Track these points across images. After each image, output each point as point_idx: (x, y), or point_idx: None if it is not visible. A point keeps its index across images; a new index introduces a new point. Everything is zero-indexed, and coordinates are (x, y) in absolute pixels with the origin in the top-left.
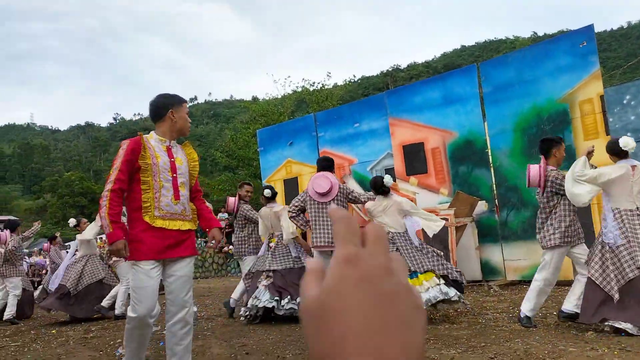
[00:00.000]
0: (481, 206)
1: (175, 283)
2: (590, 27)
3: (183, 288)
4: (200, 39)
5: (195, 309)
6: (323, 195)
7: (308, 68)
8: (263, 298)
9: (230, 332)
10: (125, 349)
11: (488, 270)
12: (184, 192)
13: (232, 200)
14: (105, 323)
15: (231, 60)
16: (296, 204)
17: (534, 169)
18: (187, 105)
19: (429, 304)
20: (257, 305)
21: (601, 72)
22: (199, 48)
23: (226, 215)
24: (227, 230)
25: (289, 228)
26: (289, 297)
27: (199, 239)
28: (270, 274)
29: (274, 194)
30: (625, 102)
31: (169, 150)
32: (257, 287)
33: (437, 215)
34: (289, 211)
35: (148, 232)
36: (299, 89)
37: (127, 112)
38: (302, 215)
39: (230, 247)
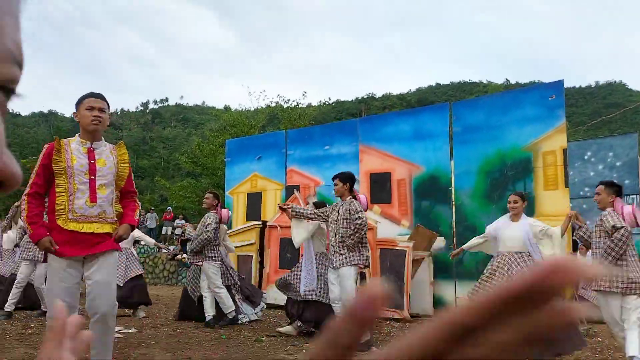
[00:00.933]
0: (439, 242)
1: (93, 287)
2: (560, 82)
3: (101, 293)
4: (179, 40)
5: (142, 314)
6: None
7: (284, 82)
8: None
9: (175, 343)
10: None
11: (440, 306)
12: (104, 194)
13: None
14: (45, 320)
15: (207, 66)
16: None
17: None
18: (92, 99)
19: None
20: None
21: (566, 126)
22: (176, 48)
23: (183, 222)
24: (182, 238)
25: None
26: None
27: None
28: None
29: None
30: (586, 157)
31: (90, 152)
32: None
33: (395, 246)
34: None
35: (60, 235)
36: (273, 104)
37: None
38: None
39: (184, 255)
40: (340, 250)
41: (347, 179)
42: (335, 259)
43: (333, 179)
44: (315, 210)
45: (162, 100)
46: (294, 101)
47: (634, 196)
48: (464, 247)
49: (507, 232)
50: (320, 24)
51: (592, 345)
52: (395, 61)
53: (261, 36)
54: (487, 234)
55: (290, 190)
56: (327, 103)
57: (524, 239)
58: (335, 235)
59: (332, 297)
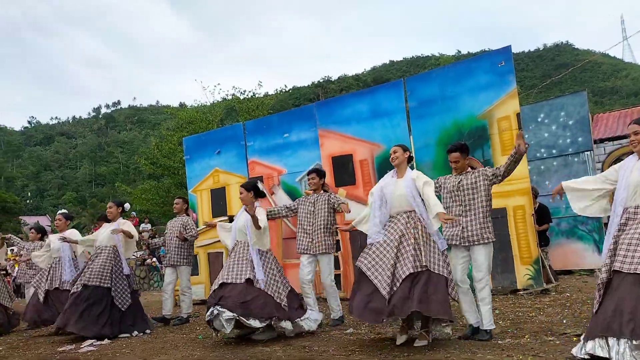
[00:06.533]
0: None
1: None
2: (507, 48)
3: None
4: (130, 37)
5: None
6: None
7: (241, 73)
8: None
9: (150, 349)
10: None
11: None
12: None
13: None
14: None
15: (160, 63)
16: None
17: None
18: None
19: None
20: None
21: (518, 90)
22: (127, 47)
23: (149, 226)
24: (149, 241)
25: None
26: None
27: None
28: None
29: None
30: (539, 119)
31: None
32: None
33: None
34: None
35: None
36: (229, 97)
37: (44, 115)
38: None
39: (154, 259)
40: (319, 238)
41: (323, 175)
42: (315, 246)
43: (309, 173)
44: (287, 207)
45: (114, 104)
46: (249, 92)
47: (588, 152)
48: (353, 223)
49: (393, 190)
50: (278, 7)
51: (561, 301)
52: (351, 42)
53: (216, 24)
54: (374, 197)
55: None
56: (283, 90)
57: (408, 196)
58: (313, 225)
59: (303, 277)
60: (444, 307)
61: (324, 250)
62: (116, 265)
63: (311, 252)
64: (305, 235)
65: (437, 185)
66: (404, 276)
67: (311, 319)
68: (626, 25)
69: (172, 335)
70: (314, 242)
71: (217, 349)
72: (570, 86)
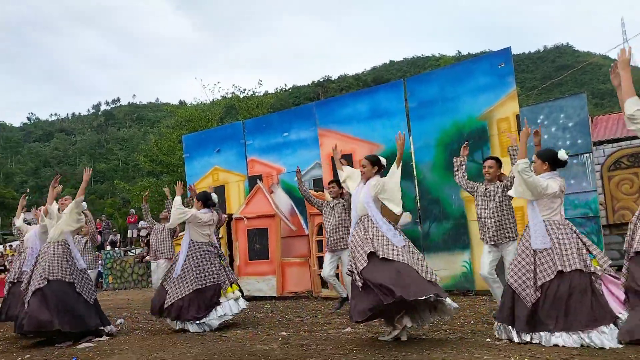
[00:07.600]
0: (406, 217)
1: None
2: (507, 50)
3: None
4: (131, 35)
5: (121, 320)
6: None
7: (242, 71)
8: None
9: (149, 347)
10: None
11: None
12: None
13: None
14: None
15: (161, 60)
16: None
17: None
18: None
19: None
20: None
21: (519, 92)
22: (129, 45)
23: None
24: (148, 238)
25: None
26: None
27: (119, 248)
28: None
29: None
30: (539, 121)
31: None
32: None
33: None
34: None
35: None
36: (229, 95)
37: (43, 111)
38: None
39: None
40: (339, 237)
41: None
42: (337, 243)
43: (329, 183)
44: (319, 202)
45: (114, 101)
46: (249, 90)
47: (587, 154)
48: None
49: (355, 197)
50: (279, 7)
51: None
52: (351, 41)
53: (218, 23)
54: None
55: (253, 181)
56: (284, 89)
57: (363, 202)
58: (333, 226)
59: (326, 275)
60: (420, 287)
61: (344, 246)
62: (70, 260)
63: (335, 249)
64: (328, 235)
65: (472, 187)
66: (365, 263)
67: (210, 320)
68: (626, 27)
69: (170, 332)
70: (336, 240)
71: (215, 346)
72: (570, 88)
